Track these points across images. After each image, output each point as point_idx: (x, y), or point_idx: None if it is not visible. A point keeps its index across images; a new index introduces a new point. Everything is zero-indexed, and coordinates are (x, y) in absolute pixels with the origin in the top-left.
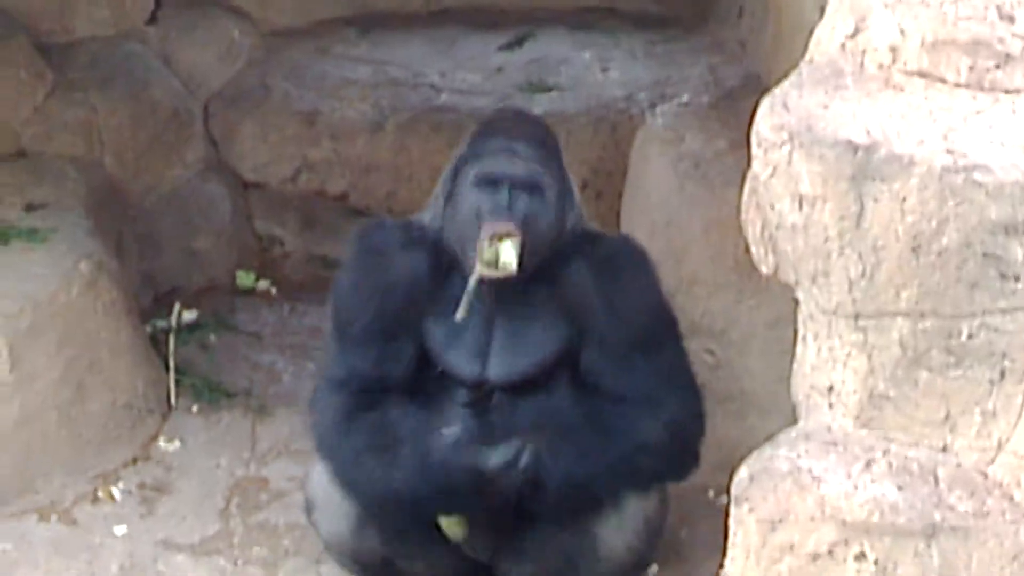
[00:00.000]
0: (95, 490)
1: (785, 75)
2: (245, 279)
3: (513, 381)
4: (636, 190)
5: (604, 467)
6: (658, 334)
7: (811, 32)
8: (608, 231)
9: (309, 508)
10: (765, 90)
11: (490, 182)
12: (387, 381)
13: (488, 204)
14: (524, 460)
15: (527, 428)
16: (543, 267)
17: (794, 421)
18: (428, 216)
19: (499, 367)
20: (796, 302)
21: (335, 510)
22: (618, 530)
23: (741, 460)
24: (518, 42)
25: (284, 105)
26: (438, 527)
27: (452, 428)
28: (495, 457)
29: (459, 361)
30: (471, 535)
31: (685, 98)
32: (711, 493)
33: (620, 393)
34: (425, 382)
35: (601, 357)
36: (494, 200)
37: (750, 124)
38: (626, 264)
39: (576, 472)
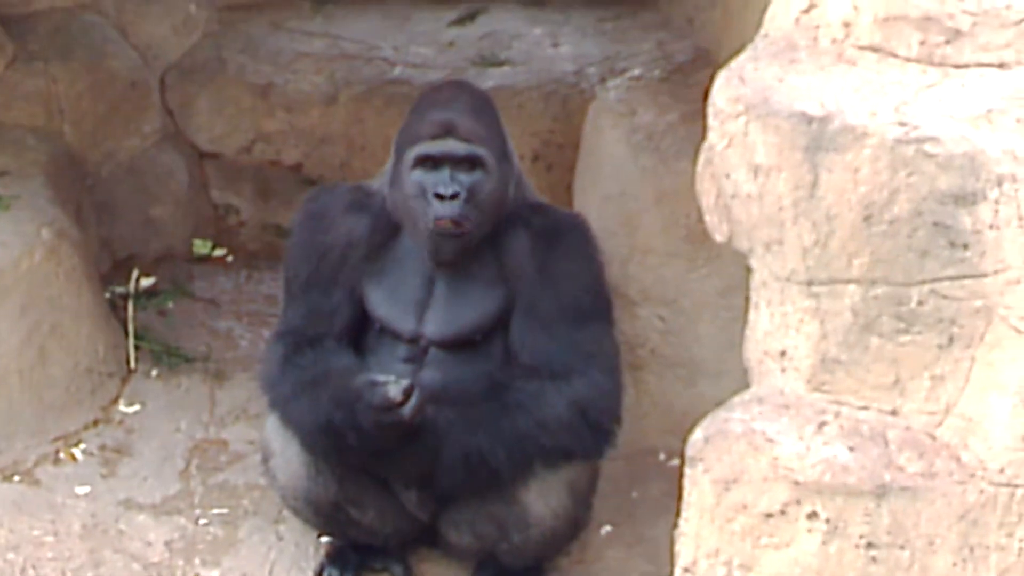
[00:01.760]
0: (57, 451)
1: (737, 50)
2: (201, 247)
3: (449, 339)
4: (589, 162)
5: (501, 442)
6: (585, 309)
7: (763, 8)
8: (557, 205)
9: (266, 457)
10: (716, 65)
11: (431, 162)
12: (322, 335)
13: (430, 182)
14: (413, 399)
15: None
16: (487, 232)
17: (744, 387)
18: (378, 182)
19: (436, 324)
20: (748, 271)
21: (290, 456)
22: (541, 497)
23: (692, 424)
24: (470, 17)
25: (239, 77)
26: (385, 478)
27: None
28: (392, 390)
29: (396, 315)
30: (410, 491)
31: (636, 72)
32: (662, 456)
33: (535, 363)
34: (365, 340)
35: (526, 324)
36: (436, 179)
37: (703, 98)
38: (567, 235)
39: (470, 445)
